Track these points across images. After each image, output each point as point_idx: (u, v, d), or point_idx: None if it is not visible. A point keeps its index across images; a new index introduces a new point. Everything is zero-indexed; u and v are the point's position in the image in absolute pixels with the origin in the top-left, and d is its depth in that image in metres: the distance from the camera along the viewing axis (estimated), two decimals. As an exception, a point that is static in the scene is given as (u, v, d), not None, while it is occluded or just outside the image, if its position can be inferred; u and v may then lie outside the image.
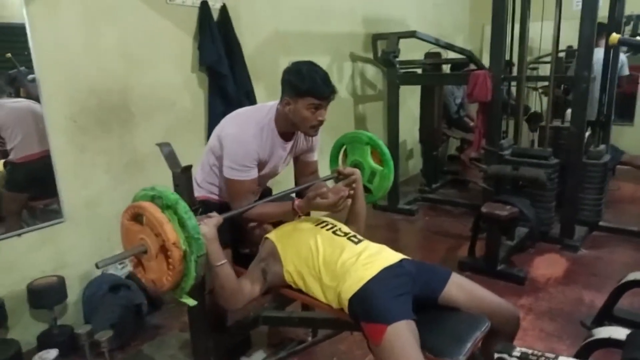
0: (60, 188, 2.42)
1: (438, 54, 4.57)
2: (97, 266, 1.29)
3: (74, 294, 2.50)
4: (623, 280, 2.23)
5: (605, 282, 2.81)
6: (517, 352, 1.31)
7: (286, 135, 1.82)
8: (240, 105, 3.16)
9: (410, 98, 4.99)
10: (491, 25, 3.33)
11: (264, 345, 2.31)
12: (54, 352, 1.95)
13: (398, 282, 1.47)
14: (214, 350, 1.85)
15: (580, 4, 3.16)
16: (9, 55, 2.25)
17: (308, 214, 1.85)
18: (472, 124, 5.18)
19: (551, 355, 1.26)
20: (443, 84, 4.61)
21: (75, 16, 2.40)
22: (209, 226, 1.45)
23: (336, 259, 1.54)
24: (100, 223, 2.63)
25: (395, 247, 1.69)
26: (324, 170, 2.14)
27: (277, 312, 2.02)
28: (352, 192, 1.83)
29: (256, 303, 1.94)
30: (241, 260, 1.84)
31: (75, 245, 2.53)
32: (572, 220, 3.34)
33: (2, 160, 2.31)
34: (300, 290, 1.66)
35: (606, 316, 2.31)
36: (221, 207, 1.78)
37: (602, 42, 3.86)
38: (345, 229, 1.73)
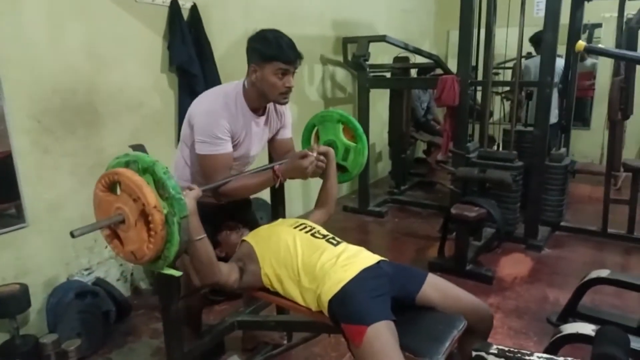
0: (22, 191, 2.31)
1: (406, 58, 4.64)
2: (72, 235, 1.19)
3: (37, 302, 2.39)
4: (586, 278, 2.33)
5: (568, 280, 2.93)
6: (494, 350, 1.34)
7: (257, 110, 1.79)
8: (211, 106, 3.15)
9: (379, 101, 5.04)
10: (459, 31, 3.42)
11: (238, 350, 2.28)
12: (17, 364, 1.86)
13: (377, 283, 1.48)
14: (189, 356, 1.80)
15: (540, 11, 3.30)
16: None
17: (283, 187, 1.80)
18: (438, 127, 5.30)
19: (527, 352, 1.29)
20: (412, 88, 4.69)
21: (39, 11, 2.31)
22: (188, 198, 1.40)
23: (315, 261, 1.54)
24: (65, 228, 2.48)
25: (367, 249, 1.69)
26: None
27: (253, 317, 1.99)
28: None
29: (230, 308, 1.92)
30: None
31: (38, 251, 2.42)
32: (536, 220, 3.46)
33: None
34: (276, 293, 1.64)
35: (571, 313, 2.40)
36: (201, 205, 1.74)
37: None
38: (324, 231, 1.72)
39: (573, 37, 3.63)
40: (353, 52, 4.10)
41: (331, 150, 1.89)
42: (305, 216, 1.90)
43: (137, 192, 1.23)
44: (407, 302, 1.55)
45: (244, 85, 1.76)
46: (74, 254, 2.59)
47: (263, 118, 1.84)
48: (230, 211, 1.91)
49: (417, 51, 4.23)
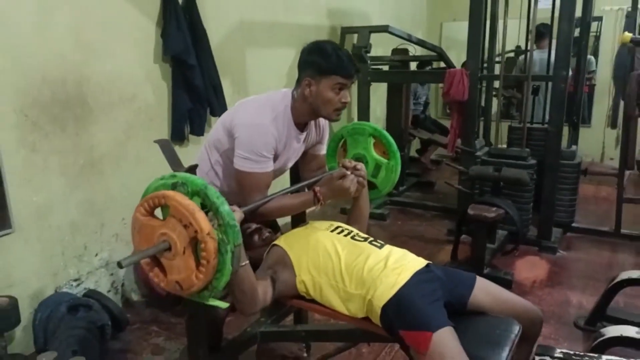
0: (8, 193, 2.22)
1: (406, 51, 4.70)
2: (119, 265, 1.16)
3: (23, 317, 2.29)
4: (616, 280, 2.41)
5: (588, 283, 3.03)
6: (559, 354, 1.37)
7: (301, 125, 1.79)
8: (209, 101, 3.11)
9: (373, 96, 5.07)
10: (468, 22, 3.48)
11: (253, 364, 2.25)
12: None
13: (431, 288, 1.50)
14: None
15: (541, 2, 3.40)
16: None
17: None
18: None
19: (594, 355, 1.33)
20: (415, 82, 4.75)
21: (24, -8, 2.23)
22: None
23: (362, 265, 1.54)
24: (53, 234, 2.44)
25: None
26: None
27: (279, 327, 1.97)
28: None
29: (236, 320, 1.88)
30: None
31: (24, 260, 2.33)
32: (550, 221, 3.55)
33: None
34: (313, 301, 1.63)
35: (600, 316, 2.48)
36: None
37: (545, 43, 4.21)
38: (363, 234, 1.73)
39: (584, 30, 3.75)
40: (352, 42, 4.12)
41: (363, 166, 1.88)
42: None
43: (190, 218, 1.20)
44: (458, 307, 1.57)
45: (292, 96, 1.74)
46: (63, 264, 2.50)
47: (304, 134, 1.84)
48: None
49: (421, 43, 4.29)
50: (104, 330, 2.38)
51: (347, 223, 1.89)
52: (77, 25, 2.46)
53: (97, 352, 2.30)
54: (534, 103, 4.33)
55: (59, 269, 2.49)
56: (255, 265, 1.72)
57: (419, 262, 1.60)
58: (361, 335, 1.70)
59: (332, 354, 1.96)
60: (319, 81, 1.65)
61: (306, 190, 1.83)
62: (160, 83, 2.94)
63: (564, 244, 3.65)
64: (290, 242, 1.69)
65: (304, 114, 1.75)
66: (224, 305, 1.33)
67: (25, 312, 2.33)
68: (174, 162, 1.56)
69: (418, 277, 1.51)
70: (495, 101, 5.11)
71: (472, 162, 3.59)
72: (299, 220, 2.13)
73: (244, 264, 1.42)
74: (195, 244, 1.23)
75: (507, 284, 2.99)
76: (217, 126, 1.79)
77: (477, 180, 3.62)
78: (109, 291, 2.75)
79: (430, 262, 1.65)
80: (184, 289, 1.28)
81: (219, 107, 3.15)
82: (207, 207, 1.26)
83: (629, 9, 4.15)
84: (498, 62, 5.64)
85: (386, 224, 4.23)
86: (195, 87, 2.96)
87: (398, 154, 2.05)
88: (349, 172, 1.68)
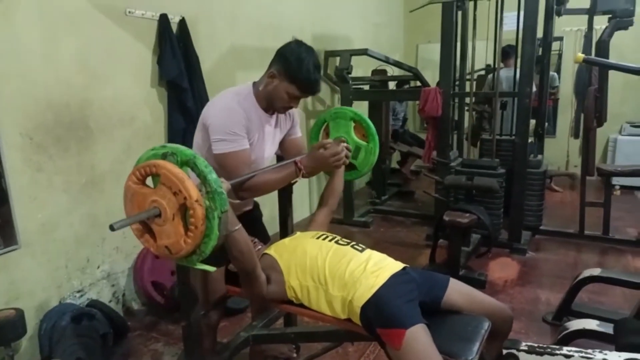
0: (14, 211, 2.22)
1: (384, 71, 4.77)
2: (111, 228, 1.14)
3: (29, 327, 2.28)
4: (580, 277, 2.46)
5: (556, 281, 3.08)
6: (524, 347, 1.40)
7: (267, 110, 1.77)
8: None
9: (357, 113, 5.14)
10: (440, 44, 3.56)
11: (246, 366, 2.25)
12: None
13: (407, 289, 1.52)
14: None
15: (506, 25, 3.50)
16: None
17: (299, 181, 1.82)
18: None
19: (556, 347, 1.37)
20: (394, 100, 4.82)
21: (32, 24, 2.25)
22: None
23: (344, 268, 1.56)
24: (58, 248, 2.44)
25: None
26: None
27: (270, 330, 1.98)
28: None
29: (230, 325, 1.89)
30: (234, 279, 1.79)
31: (30, 274, 2.32)
32: (520, 225, 3.61)
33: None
34: (301, 305, 1.65)
35: (565, 311, 2.52)
36: None
37: (511, 62, 4.34)
38: (346, 239, 1.75)
39: (545, 49, 3.84)
40: (335, 65, 4.18)
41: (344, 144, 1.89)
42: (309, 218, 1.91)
43: (179, 185, 1.20)
44: (433, 307, 1.60)
45: (255, 86, 1.75)
46: (66, 276, 2.50)
47: (274, 117, 1.83)
48: (243, 224, 1.91)
49: (397, 64, 4.36)
50: (107, 338, 2.38)
51: (321, 200, 1.94)
52: (81, 53, 2.48)
53: (100, 358, 2.30)
54: (502, 117, 4.41)
55: (63, 281, 2.49)
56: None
57: (397, 265, 1.63)
58: (345, 335, 1.72)
59: (319, 353, 1.98)
60: (282, 80, 1.65)
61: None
62: (157, 105, 2.96)
63: (533, 245, 3.71)
64: (280, 251, 1.70)
65: (263, 100, 1.74)
66: (211, 268, 1.32)
67: (32, 323, 2.31)
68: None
69: (395, 279, 1.53)
70: (467, 115, 5.23)
71: (447, 172, 3.65)
72: (287, 229, 2.16)
73: (236, 227, 1.43)
74: (184, 210, 1.22)
75: (481, 284, 3.03)
76: (196, 131, 1.77)
77: (452, 189, 3.67)
78: (110, 301, 2.74)
79: (408, 265, 1.68)
80: (172, 253, 1.27)
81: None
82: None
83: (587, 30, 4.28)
84: (469, 80, 5.81)
85: (370, 230, 4.26)
86: (188, 108, 2.98)
87: (376, 137, 2.04)
88: (328, 143, 1.69)
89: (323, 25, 4.67)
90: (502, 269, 3.34)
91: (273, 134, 1.86)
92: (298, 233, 1.85)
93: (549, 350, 1.35)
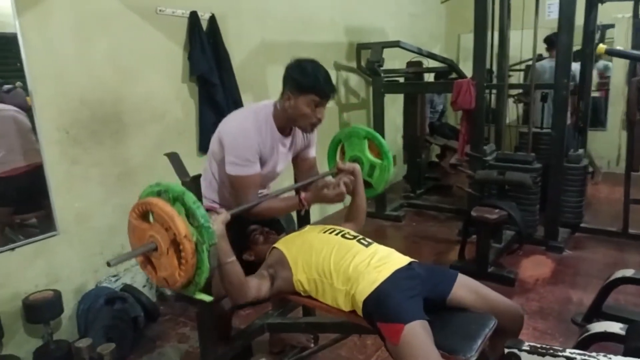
0: (53, 201, 2.39)
1: (419, 63, 4.70)
2: (108, 264, 1.25)
3: (68, 308, 2.46)
4: (611, 278, 2.35)
5: (591, 281, 2.95)
6: (526, 347, 1.37)
7: (284, 130, 1.84)
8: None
9: (392, 106, 5.10)
10: (474, 34, 3.46)
11: (265, 353, 2.32)
12: (53, 368, 1.93)
13: (410, 284, 1.53)
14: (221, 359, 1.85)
15: (552, 14, 3.34)
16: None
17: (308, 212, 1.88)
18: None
19: (559, 348, 1.33)
20: (427, 92, 4.75)
21: (67, 26, 2.40)
22: (217, 222, 1.46)
23: (348, 263, 1.58)
24: (93, 236, 2.60)
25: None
26: (323, 168, 2.17)
27: (283, 319, 2.04)
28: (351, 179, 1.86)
29: (255, 312, 1.97)
30: (245, 269, 1.85)
31: (68, 259, 2.50)
32: (556, 222, 3.47)
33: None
34: (309, 297, 1.69)
35: (596, 313, 2.42)
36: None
37: (553, 52, 4.12)
38: (353, 232, 1.77)
39: (588, 39, 3.65)
40: (367, 57, 4.16)
41: (357, 167, 1.96)
42: (323, 222, 1.95)
43: (169, 222, 1.28)
44: (438, 303, 1.59)
45: (275, 106, 1.81)
46: (102, 262, 2.65)
47: (289, 138, 1.90)
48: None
49: (431, 55, 4.28)
50: (137, 321, 2.51)
51: (345, 219, 1.97)
52: (114, 52, 2.62)
53: (130, 339, 2.44)
54: (543, 109, 4.23)
55: (99, 266, 2.65)
56: (259, 262, 1.81)
57: (402, 260, 1.63)
58: (352, 327, 1.75)
59: (329, 344, 2.01)
60: (297, 97, 1.71)
61: (294, 193, 1.91)
62: (188, 100, 3.08)
63: (571, 243, 3.56)
64: (288, 245, 1.75)
65: (284, 122, 1.80)
66: (208, 298, 1.40)
67: (70, 304, 2.50)
68: (181, 172, 1.65)
69: (398, 274, 1.54)
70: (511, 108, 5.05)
71: (481, 167, 3.56)
72: (304, 221, 2.20)
73: (229, 260, 1.50)
74: (177, 245, 1.30)
75: (509, 281, 2.95)
76: (212, 139, 1.87)
77: (485, 184, 3.58)
78: (144, 286, 2.88)
79: (414, 260, 1.68)
80: (169, 284, 1.36)
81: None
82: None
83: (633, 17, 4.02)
84: (520, 70, 5.60)
85: (401, 224, 4.23)
86: (218, 102, 3.08)
87: (390, 155, 2.09)
88: (330, 182, 1.74)
89: (355, 18, 4.64)
90: (535, 267, 3.24)
91: (286, 154, 1.94)
92: (308, 227, 1.89)
93: (552, 351, 1.31)
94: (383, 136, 4.18)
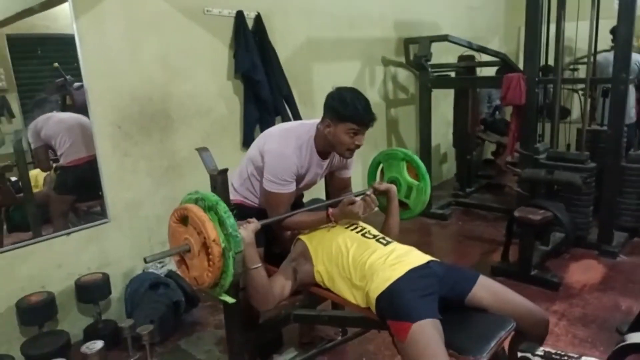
0: (105, 190, 2.60)
1: (472, 57, 4.56)
2: (145, 260, 1.40)
3: (116, 290, 2.66)
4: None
5: (645, 290, 2.77)
6: (539, 352, 1.34)
7: (324, 154, 1.91)
8: (276, 110, 3.32)
9: (444, 101, 5.00)
10: (525, 27, 3.32)
11: (295, 343, 2.40)
12: (99, 344, 2.09)
13: (425, 283, 1.53)
14: (248, 346, 1.94)
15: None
16: (56, 64, 2.45)
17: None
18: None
19: (574, 355, 1.29)
20: (475, 87, 4.61)
21: (120, 28, 2.58)
22: (247, 231, 1.55)
23: (365, 260, 1.61)
24: (142, 224, 2.79)
25: (427, 251, 1.74)
26: (360, 185, 2.22)
27: (308, 311, 2.10)
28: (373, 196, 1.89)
29: (288, 301, 2.04)
30: (273, 260, 1.93)
31: (118, 245, 2.70)
32: (610, 225, 3.28)
33: (54, 165, 2.51)
34: (329, 290, 1.74)
35: (642, 323, 2.27)
36: (257, 212, 1.87)
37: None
38: (374, 231, 1.80)
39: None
40: (415, 52, 4.11)
41: (393, 188, 1.99)
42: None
43: (201, 226, 1.39)
44: (456, 303, 1.58)
45: (318, 128, 1.87)
46: (149, 248, 2.84)
47: (327, 161, 1.96)
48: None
49: (482, 49, 4.15)
50: (179, 305, 2.66)
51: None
52: (162, 52, 2.78)
53: (171, 322, 2.60)
54: (604, 105, 3.98)
55: (147, 252, 2.82)
56: (285, 254, 1.88)
57: (420, 259, 1.64)
58: (371, 322, 1.77)
59: (350, 338, 2.05)
60: (336, 125, 1.75)
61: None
62: (233, 97, 3.20)
63: (628, 248, 3.35)
64: (310, 237, 1.81)
65: (324, 146, 1.86)
66: (231, 300, 1.50)
67: (119, 287, 2.70)
68: (210, 166, 1.74)
69: (413, 273, 1.55)
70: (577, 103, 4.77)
71: (531, 165, 3.42)
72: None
73: (255, 266, 1.57)
74: (207, 248, 1.41)
75: (553, 286, 2.83)
76: (253, 145, 1.96)
77: (533, 183, 3.43)
78: (188, 273, 3.06)
79: (434, 259, 1.67)
80: (198, 283, 1.48)
81: (293, 116, 3.38)
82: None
83: None
84: (582, 64, 5.26)
85: (446, 223, 4.16)
86: (262, 99, 3.18)
87: (427, 177, 2.10)
88: (357, 199, 1.77)
89: (407, 12, 4.59)
90: (583, 271, 3.08)
91: (322, 171, 2.01)
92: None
93: (566, 358, 1.27)
94: (430, 132, 4.17)
